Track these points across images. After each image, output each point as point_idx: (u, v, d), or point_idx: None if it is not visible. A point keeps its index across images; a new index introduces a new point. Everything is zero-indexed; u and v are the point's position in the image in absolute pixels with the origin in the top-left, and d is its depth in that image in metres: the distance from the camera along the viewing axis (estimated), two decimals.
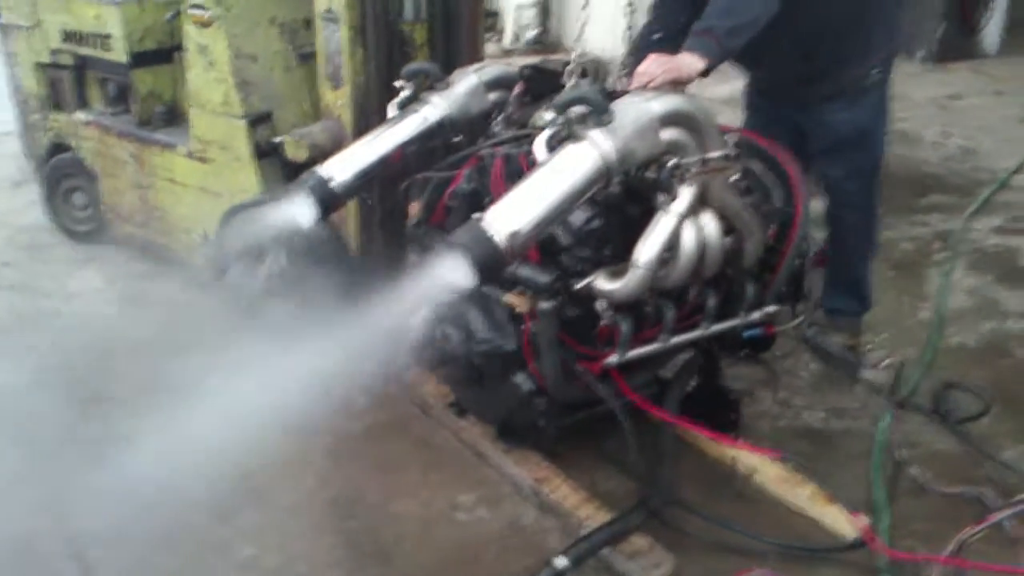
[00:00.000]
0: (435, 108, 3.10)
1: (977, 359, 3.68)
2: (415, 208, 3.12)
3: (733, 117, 6.08)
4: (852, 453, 3.08)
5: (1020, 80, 8.29)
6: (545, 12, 9.68)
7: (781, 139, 3.43)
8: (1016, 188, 5.61)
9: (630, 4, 3.18)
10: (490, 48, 9.36)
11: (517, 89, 3.16)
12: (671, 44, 2.90)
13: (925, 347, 3.69)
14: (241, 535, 2.69)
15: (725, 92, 7.40)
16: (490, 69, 3.27)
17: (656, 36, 3.23)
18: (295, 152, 3.37)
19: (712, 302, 2.72)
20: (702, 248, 2.56)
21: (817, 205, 3.75)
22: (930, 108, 7.17)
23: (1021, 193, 5.52)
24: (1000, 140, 6.56)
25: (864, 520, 2.63)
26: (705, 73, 2.92)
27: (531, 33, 9.64)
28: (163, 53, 4.14)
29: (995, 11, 9.20)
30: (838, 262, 3.60)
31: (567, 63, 2.98)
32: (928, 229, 4.95)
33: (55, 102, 4.51)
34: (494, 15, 10.08)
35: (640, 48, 3.24)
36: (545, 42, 9.62)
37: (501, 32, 9.98)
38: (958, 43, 8.71)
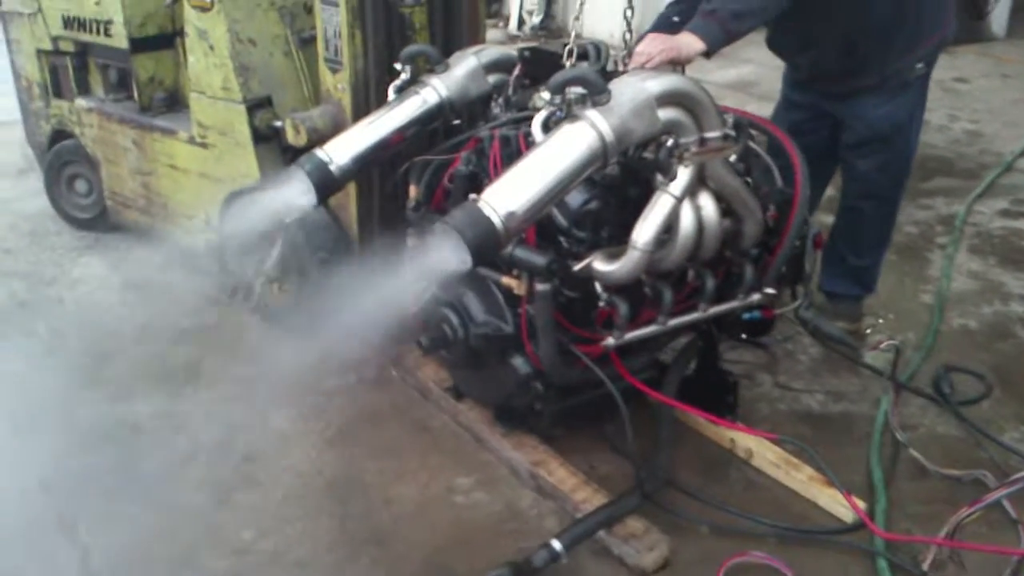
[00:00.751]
0: (434, 91, 3.09)
1: (979, 342, 3.67)
2: (414, 191, 3.11)
3: (739, 102, 6.09)
4: (852, 436, 3.07)
5: None
6: None
7: (818, 135, 3.41)
8: (1021, 171, 5.58)
9: None
10: (495, 34, 9.35)
11: (516, 71, 3.15)
12: None
13: (927, 330, 3.68)
14: (238, 518, 2.69)
15: (732, 76, 7.41)
16: (489, 51, 3.25)
17: (675, 19, 3.21)
18: (294, 137, 3.37)
19: (710, 284, 2.70)
20: (700, 229, 2.54)
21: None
22: (936, 91, 7.10)
23: None
24: (1006, 123, 6.54)
25: (861, 503, 2.63)
26: (707, 55, 2.91)
27: (536, 19, 9.62)
28: (164, 38, 4.14)
29: None
30: (845, 249, 3.58)
31: (567, 45, 2.97)
32: (932, 212, 4.93)
33: (56, 89, 4.51)
34: (499, 1, 10.07)
35: (655, 28, 3.23)
36: (550, 28, 9.60)
37: (506, 18, 9.96)
38: (965, 26, 8.63)
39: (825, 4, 2.99)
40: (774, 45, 3.46)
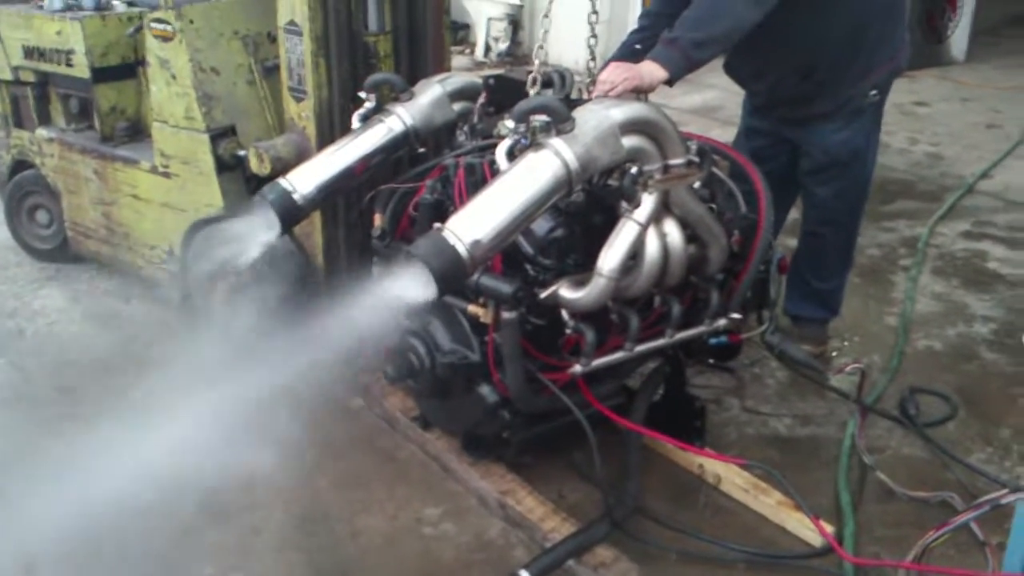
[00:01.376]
0: (399, 119, 3.08)
1: (944, 363, 3.70)
2: (379, 220, 3.10)
3: (703, 127, 6.13)
4: (819, 459, 3.08)
5: (986, 87, 8.40)
6: (516, 25, 9.72)
7: (778, 161, 3.44)
8: (982, 193, 5.66)
9: (595, 12, 3.17)
10: (462, 61, 9.38)
11: (481, 99, 3.15)
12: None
13: (892, 352, 3.71)
14: (201, 554, 2.64)
15: (696, 102, 7.47)
16: (454, 79, 3.26)
17: (637, 46, 3.23)
18: (258, 166, 3.35)
19: (676, 310, 2.70)
20: (665, 255, 2.54)
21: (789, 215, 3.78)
22: (896, 115, 7.22)
23: (987, 198, 5.58)
24: (966, 146, 6.64)
25: (829, 527, 2.63)
26: (670, 83, 2.92)
27: (502, 46, 9.67)
28: (126, 68, 4.12)
29: (962, 18, 9.32)
30: (809, 273, 3.60)
31: (531, 72, 2.98)
32: (895, 235, 4.98)
33: (17, 119, 4.47)
34: (465, 28, 10.12)
35: (617, 56, 3.24)
36: (516, 55, 9.65)
37: (473, 45, 10.01)
38: (925, 50, 8.80)
39: (782, 31, 3.02)
40: (731, 71, 3.49)
